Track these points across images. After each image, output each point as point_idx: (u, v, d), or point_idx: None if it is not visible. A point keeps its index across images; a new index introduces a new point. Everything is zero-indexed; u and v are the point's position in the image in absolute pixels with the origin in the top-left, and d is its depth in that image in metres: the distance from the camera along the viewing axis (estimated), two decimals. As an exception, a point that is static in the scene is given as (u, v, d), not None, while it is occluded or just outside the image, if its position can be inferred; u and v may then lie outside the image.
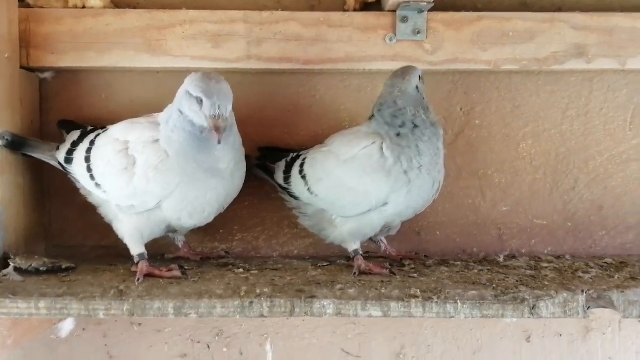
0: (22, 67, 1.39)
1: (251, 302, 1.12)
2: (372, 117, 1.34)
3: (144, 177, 1.18)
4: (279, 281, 1.20)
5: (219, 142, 1.11)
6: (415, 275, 1.27)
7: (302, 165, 1.35)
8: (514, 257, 1.49)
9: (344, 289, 1.15)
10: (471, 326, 1.58)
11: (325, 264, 1.38)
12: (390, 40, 1.42)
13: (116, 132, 1.28)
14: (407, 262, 1.41)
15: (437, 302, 1.13)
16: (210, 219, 1.28)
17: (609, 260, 1.46)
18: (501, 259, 1.45)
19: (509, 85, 1.55)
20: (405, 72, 1.31)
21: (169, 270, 1.25)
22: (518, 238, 1.58)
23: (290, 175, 1.36)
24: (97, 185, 1.25)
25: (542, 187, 1.58)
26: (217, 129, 1.10)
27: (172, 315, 1.11)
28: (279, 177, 1.39)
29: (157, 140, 1.21)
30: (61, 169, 1.35)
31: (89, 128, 1.37)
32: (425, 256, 1.45)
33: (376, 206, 1.26)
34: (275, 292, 1.13)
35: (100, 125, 1.38)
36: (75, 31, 1.39)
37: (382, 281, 1.21)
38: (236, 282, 1.20)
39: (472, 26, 1.45)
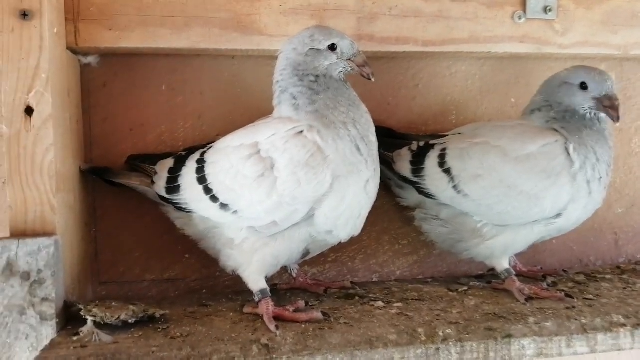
0: (67, 48, 1.04)
1: (437, 349, 0.87)
2: (532, 111, 1.13)
3: (291, 179, 0.90)
4: (448, 316, 0.95)
5: (372, 75, 1.03)
6: (591, 296, 1.06)
7: (442, 156, 1.10)
8: None
9: (540, 323, 0.92)
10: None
11: (464, 288, 1.14)
12: (520, 18, 1.21)
13: (234, 139, 0.99)
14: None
15: (647, 329, 0.93)
16: (360, 228, 1.01)
17: None
18: (644, 269, 1.28)
19: (620, 73, 1.40)
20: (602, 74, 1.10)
21: (296, 310, 0.96)
22: (633, 243, 1.42)
23: (422, 167, 1.11)
24: (223, 206, 0.94)
25: (655, 185, 1.43)
26: (366, 63, 1.01)
27: (339, 375, 0.83)
28: (403, 168, 1.13)
29: (301, 132, 0.93)
30: (162, 202, 1.06)
31: (181, 152, 1.08)
32: (564, 271, 1.25)
33: (548, 216, 1.04)
34: (461, 333, 0.88)
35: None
36: (143, 0, 1.05)
37: (567, 307, 1.00)
38: (400, 321, 0.93)
39: (603, 5, 1.27)
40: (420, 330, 0.88)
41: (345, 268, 1.28)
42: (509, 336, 0.89)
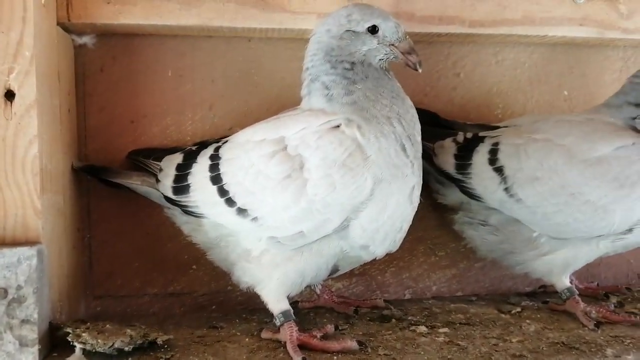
0: (58, 24, 0.89)
1: (503, 390, 0.71)
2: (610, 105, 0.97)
3: (324, 182, 0.75)
4: (507, 346, 0.80)
5: (420, 65, 0.85)
6: (670, 321, 0.90)
7: (493, 152, 0.94)
8: None
9: (620, 356, 0.76)
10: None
11: (517, 309, 0.98)
12: (580, -2, 1.06)
13: (255, 133, 0.83)
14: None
15: None
16: (399, 244, 0.85)
17: None
18: None
19: (685, 63, 1.24)
20: None
21: (325, 336, 0.80)
22: (698, 256, 1.26)
23: (469, 164, 0.95)
24: (241, 211, 0.79)
25: None
26: (412, 50, 0.84)
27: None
28: (446, 162, 0.98)
29: (337, 126, 0.78)
30: (167, 203, 0.90)
31: (191, 147, 0.93)
32: (627, 288, 1.09)
33: (615, 231, 0.88)
34: (531, 370, 0.73)
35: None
36: (146, -31, 0.91)
37: (649, 335, 0.84)
38: (451, 352, 0.77)
39: (674, -17, 1.11)
40: (479, 366, 0.73)
41: (374, 282, 1.13)
42: (587, 374, 0.73)
